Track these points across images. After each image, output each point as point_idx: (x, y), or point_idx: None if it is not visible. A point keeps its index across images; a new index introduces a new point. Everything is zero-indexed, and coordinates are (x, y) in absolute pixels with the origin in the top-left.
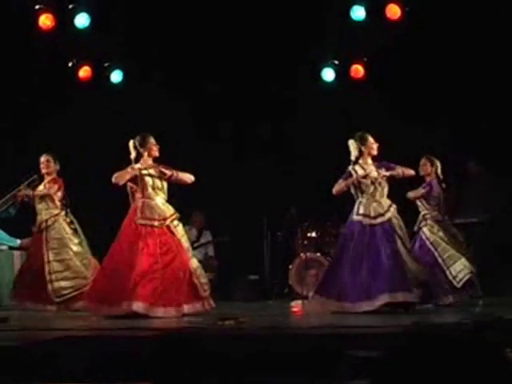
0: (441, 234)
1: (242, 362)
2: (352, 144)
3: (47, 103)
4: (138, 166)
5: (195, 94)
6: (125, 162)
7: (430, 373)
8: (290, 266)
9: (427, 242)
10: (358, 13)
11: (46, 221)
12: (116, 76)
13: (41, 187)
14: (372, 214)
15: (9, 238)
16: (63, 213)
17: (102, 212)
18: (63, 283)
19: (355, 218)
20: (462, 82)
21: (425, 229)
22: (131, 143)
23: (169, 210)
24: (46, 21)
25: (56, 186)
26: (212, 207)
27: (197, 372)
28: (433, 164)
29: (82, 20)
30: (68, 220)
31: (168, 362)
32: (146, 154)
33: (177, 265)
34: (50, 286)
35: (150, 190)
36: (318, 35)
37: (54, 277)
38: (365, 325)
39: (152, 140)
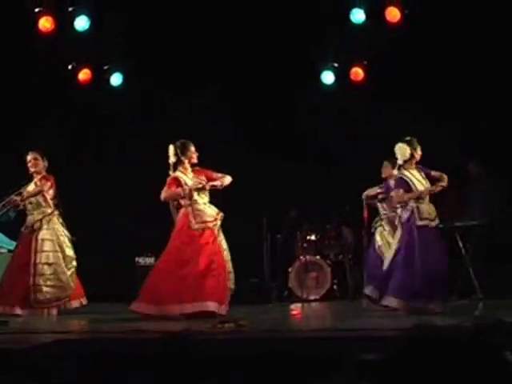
0: (390, 239)
1: (241, 364)
2: (401, 148)
3: (47, 105)
4: (189, 183)
5: (195, 96)
6: (125, 163)
7: (432, 375)
8: (290, 269)
9: (376, 246)
10: (358, 16)
11: (40, 220)
12: (116, 79)
13: (31, 186)
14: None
15: (8, 241)
16: (56, 212)
17: (100, 214)
18: (47, 289)
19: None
20: (461, 84)
21: (376, 232)
22: (172, 149)
23: (214, 210)
24: (45, 23)
25: (48, 184)
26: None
27: (196, 374)
28: (394, 167)
29: (81, 23)
30: (60, 220)
31: (169, 364)
32: (186, 161)
33: (223, 265)
34: (32, 289)
35: (195, 196)
36: (317, 38)
37: (39, 280)
38: (365, 327)
39: (192, 148)
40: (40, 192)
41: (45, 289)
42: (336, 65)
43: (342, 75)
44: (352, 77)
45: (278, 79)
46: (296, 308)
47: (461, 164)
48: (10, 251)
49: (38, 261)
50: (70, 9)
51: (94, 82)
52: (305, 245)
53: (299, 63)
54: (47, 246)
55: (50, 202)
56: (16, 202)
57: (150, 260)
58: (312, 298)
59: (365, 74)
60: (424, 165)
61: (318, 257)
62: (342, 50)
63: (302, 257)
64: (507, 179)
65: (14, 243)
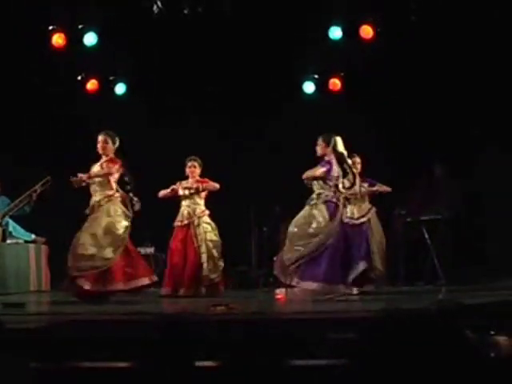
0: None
1: (231, 343)
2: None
3: (59, 112)
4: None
5: (190, 103)
6: (127, 160)
7: (399, 351)
8: (275, 258)
9: None
10: (336, 33)
11: (99, 201)
12: (120, 88)
13: (97, 167)
14: None
15: (24, 233)
16: (118, 194)
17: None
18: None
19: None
20: (426, 93)
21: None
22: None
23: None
24: (58, 40)
25: (116, 166)
26: (205, 205)
27: (192, 353)
28: (329, 144)
29: (90, 39)
30: (119, 205)
31: (165, 344)
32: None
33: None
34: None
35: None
36: (299, 52)
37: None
38: (341, 310)
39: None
40: (107, 175)
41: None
42: (316, 76)
43: (321, 85)
44: (330, 87)
45: (263, 88)
46: (280, 293)
47: (427, 165)
48: (26, 242)
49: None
50: (80, 26)
51: (100, 92)
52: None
53: (283, 74)
54: (93, 219)
55: (113, 185)
56: (83, 178)
57: (150, 250)
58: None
59: (342, 84)
60: (400, 166)
61: None
62: (322, 63)
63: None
64: (467, 179)
65: (30, 235)
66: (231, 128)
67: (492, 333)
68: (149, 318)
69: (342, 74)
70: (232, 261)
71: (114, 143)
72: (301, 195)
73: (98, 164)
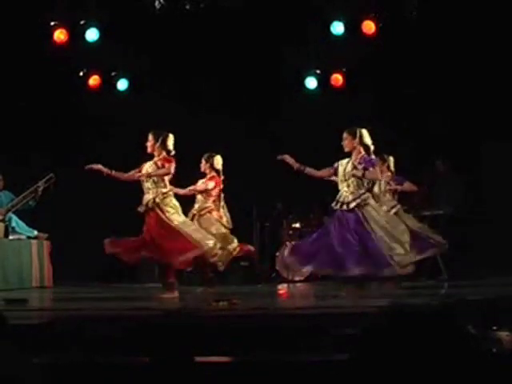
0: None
1: (233, 338)
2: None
3: (60, 108)
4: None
5: (192, 98)
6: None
7: (400, 347)
8: (277, 254)
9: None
10: (338, 28)
11: (154, 199)
12: (122, 84)
13: (151, 166)
14: None
15: (27, 229)
16: (171, 192)
17: (102, 206)
18: None
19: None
20: (428, 89)
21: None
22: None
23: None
24: (60, 35)
25: (173, 165)
26: None
27: (195, 347)
28: (355, 137)
29: (92, 34)
30: (173, 201)
31: (169, 338)
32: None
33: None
34: None
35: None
36: (302, 47)
37: None
38: (343, 305)
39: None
40: (167, 174)
41: None
42: (318, 71)
43: (323, 81)
44: (332, 82)
45: (265, 84)
46: (282, 288)
47: (430, 161)
48: (29, 238)
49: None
50: (82, 22)
51: (102, 87)
52: (290, 232)
53: (285, 70)
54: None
55: (167, 183)
56: (142, 176)
57: None
58: (297, 279)
59: (344, 79)
60: (402, 162)
61: None
62: (324, 59)
63: (287, 242)
64: (469, 174)
65: (33, 231)
66: (233, 124)
67: (494, 328)
68: (151, 314)
69: (344, 69)
70: (234, 256)
71: (161, 141)
72: (303, 191)
73: (152, 162)
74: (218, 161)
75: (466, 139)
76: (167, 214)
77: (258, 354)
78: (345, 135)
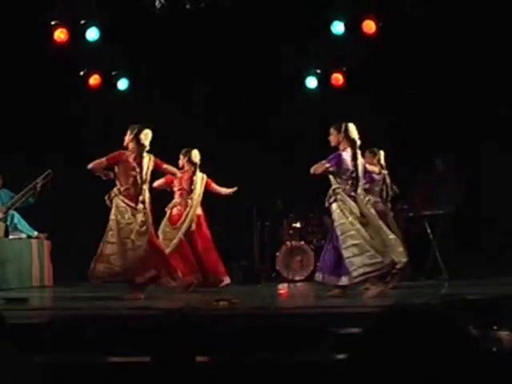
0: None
1: (233, 338)
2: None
3: (60, 108)
4: None
5: (193, 98)
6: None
7: (401, 346)
8: (277, 253)
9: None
10: (338, 27)
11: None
12: (122, 83)
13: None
14: None
15: (28, 228)
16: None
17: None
18: None
19: None
20: (428, 88)
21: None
22: None
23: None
24: (60, 35)
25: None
26: (207, 200)
27: (194, 346)
28: (340, 131)
29: (92, 34)
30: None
31: (169, 338)
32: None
33: None
34: None
35: None
36: (302, 47)
37: None
38: (344, 305)
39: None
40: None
41: None
42: (318, 71)
43: (324, 80)
44: (333, 82)
45: (265, 83)
46: (283, 288)
47: (429, 159)
48: (29, 237)
49: None
50: (82, 21)
51: (102, 87)
52: (290, 231)
53: (285, 69)
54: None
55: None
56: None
57: None
58: (297, 278)
59: (344, 79)
60: (402, 161)
61: (302, 242)
62: (324, 58)
63: (288, 242)
64: (469, 173)
65: (33, 230)
66: (233, 123)
67: (494, 328)
68: (151, 313)
69: (345, 68)
70: (234, 255)
71: (134, 135)
72: (303, 190)
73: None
74: (196, 154)
75: (466, 138)
76: None
77: (258, 354)
78: (331, 130)
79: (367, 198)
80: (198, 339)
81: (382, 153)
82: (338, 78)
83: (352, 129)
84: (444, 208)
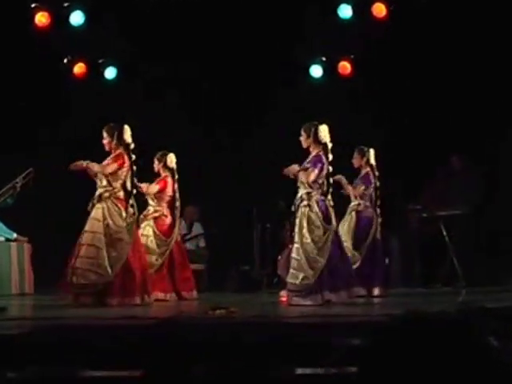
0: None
1: (231, 350)
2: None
3: (43, 98)
4: None
5: (186, 88)
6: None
7: (416, 358)
8: (279, 257)
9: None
10: (345, 11)
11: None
12: (110, 72)
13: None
14: None
15: (6, 230)
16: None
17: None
18: None
19: None
20: (444, 78)
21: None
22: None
23: None
24: (41, 18)
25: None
26: (205, 200)
27: (187, 359)
28: (309, 134)
29: (77, 18)
30: None
31: (160, 350)
32: None
33: None
34: None
35: None
36: (306, 33)
37: None
38: (351, 314)
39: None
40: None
41: None
42: (324, 59)
43: (330, 69)
44: (340, 70)
45: (267, 73)
46: (285, 295)
47: (444, 155)
48: (7, 240)
49: None
50: (66, 4)
51: (88, 76)
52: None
53: (288, 57)
54: None
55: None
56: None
57: None
58: None
59: (352, 67)
60: (413, 156)
61: None
62: (330, 45)
63: (290, 245)
64: (488, 169)
65: (12, 232)
66: (232, 116)
67: None
68: (142, 323)
69: (353, 56)
70: (233, 260)
71: (117, 136)
72: None
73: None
74: (172, 159)
75: (483, 130)
76: None
77: (257, 365)
78: (301, 131)
79: (356, 203)
80: (192, 351)
81: (372, 152)
82: (345, 67)
83: (323, 131)
84: (460, 208)
